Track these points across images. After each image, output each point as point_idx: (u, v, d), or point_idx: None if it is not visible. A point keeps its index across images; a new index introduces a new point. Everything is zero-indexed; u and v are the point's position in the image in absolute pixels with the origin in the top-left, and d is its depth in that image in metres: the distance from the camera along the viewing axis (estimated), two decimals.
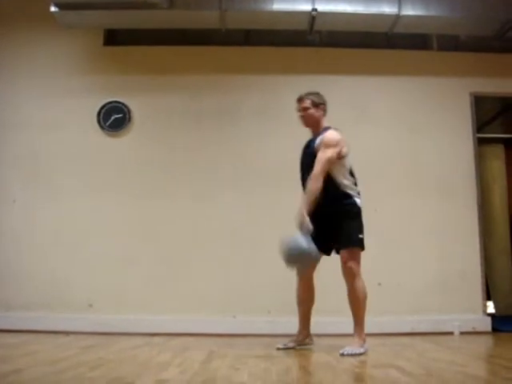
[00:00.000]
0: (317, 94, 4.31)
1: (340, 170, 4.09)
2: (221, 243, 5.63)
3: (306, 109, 4.25)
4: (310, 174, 4.06)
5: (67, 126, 5.84)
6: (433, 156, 5.86)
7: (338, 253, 4.11)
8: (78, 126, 5.85)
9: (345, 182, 4.09)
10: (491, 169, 6.58)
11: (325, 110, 4.29)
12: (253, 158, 5.76)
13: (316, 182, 3.97)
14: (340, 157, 4.07)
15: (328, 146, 4.05)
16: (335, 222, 4.05)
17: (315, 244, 3.98)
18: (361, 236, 4.06)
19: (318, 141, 4.15)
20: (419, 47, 6.10)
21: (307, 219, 3.92)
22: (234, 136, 5.84)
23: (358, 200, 4.12)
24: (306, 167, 4.18)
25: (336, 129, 4.19)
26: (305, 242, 3.85)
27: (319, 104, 4.26)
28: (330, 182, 4.04)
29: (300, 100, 4.30)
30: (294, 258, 3.92)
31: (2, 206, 5.72)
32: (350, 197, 4.09)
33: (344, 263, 4.01)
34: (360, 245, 4.05)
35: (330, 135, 4.11)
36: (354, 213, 4.10)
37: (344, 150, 4.09)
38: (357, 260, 4.02)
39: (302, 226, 3.93)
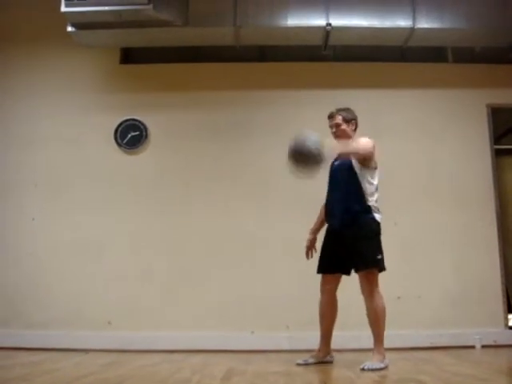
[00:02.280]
0: (347, 109, 4.30)
1: (371, 182, 4.04)
2: (238, 258, 5.62)
3: (338, 125, 4.23)
4: (344, 188, 4.07)
5: (85, 144, 5.90)
6: (450, 168, 5.83)
7: (356, 272, 4.06)
8: (95, 143, 5.91)
9: (371, 196, 4.03)
10: (509, 180, 6.52)
11: (356, 125, 4.28)
12: (269, 171, 5.74)
13: (364, 149, 3.98)
14: (375, 166, 4.07)
15: (367, 143, 4.05)
16: (353, 242, 3.99)
17: (333, 264, 4.04)
18: (379, 257, 3.98)
19: None
20: (434, 60, 6.10)
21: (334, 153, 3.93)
22: (250, 152, 5.85)
23: (378, 216, 4.05)
24: (338, 181, 4.17)
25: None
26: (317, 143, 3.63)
27: (351, 120, 4.26)
28: (357, 191, 4.01)
29: (331, 117, 4.29)
30: (306, 155, 3.65)
31: (22, 225, 5.77)
32: (371, 212, 4.01)
33: (361, 284, 3.97)
34: (377, 266, 3.97)
35: (365, 138, 4.09)
36: (373, 231, 4.02)
37: (376, 160, 4.09)
38: (374, 280, 3.96)
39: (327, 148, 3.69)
